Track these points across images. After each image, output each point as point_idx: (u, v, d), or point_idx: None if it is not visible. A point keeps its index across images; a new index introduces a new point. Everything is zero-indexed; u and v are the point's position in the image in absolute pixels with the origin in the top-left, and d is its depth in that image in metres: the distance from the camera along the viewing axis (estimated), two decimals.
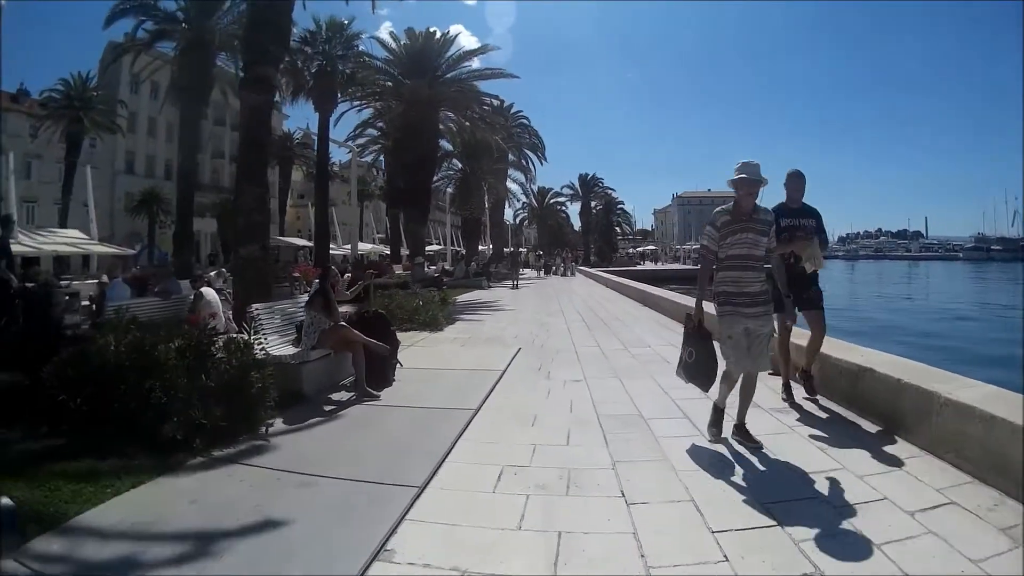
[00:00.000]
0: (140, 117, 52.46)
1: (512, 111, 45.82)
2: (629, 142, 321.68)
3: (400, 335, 9.69)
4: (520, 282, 30.80)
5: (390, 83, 23.83)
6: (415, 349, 8.97)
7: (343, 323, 6.43)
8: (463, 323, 12.30)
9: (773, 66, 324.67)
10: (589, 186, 70.68)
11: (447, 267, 34.59)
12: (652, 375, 6.76)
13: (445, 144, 36.62)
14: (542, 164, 47.92)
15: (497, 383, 6.49)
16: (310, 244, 38.57)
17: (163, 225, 45.05)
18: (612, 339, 9.84)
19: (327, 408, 5.59)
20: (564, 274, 42.50)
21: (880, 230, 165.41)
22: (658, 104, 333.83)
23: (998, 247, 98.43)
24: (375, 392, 5.99)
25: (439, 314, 11.74)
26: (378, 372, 6.41)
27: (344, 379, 6.57)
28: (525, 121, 47.25)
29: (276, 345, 6.40)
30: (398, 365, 6.90)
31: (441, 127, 32.27)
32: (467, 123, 25.27)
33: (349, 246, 30.64)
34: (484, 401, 5.70)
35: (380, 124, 27.52)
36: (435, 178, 38.77)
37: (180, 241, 28.06)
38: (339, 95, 27.03)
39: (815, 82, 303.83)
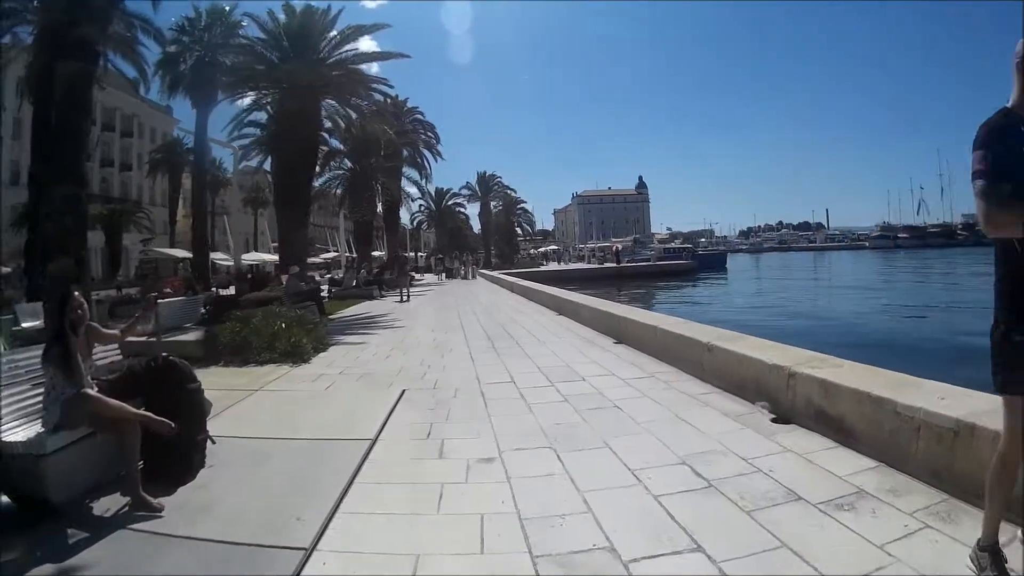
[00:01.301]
0: (25, 124, 46.46)
1: (406, 106, 43.11)
2: (529, 143, 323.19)
3: (252, 371, 7.35)
4: (416, 290, 28.13)
5: (263, 67, 20.47)
6: (260, 397, 6.30)
7: (87, 390, 3.65)
8: (340, 349, 9.57)
9: (667, 62, 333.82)
10: (488, 185, 68.48)
11: (336, 275, 31.47)
12: (603, 437, 4.39)
13: (336, 143, 33.67)
14: (437, 161, 45.29)
15: (357, 474, 3.87)
16: (189, 255, 34.60)
17: None
18: (528, 365, 7.44)
19: (73, 538, 3.03)
20: (465, 277, 41.96)
21: (781, 223, 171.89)
22: (554, 105, 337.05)
23: (904, 234, 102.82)
24: (153, 503, 3.33)
25: (305, 340, 9.00)
26: (173, 457, 3.76)
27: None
28: (420, 116, 44.55)
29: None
30: (208, 442, 4.23)
31: (329, 124, 29.19)
32: (354, 114, 22.29)
33: (241, 257, 27.38)
34: (325, 527, 3.09)
35: (257, 117, 23.98)
36: (323, 178, 35.56)
37: (30, 254, 23.73)
38: (219, 91, 23.59)
39: (715, 78, 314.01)
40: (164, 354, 4.47)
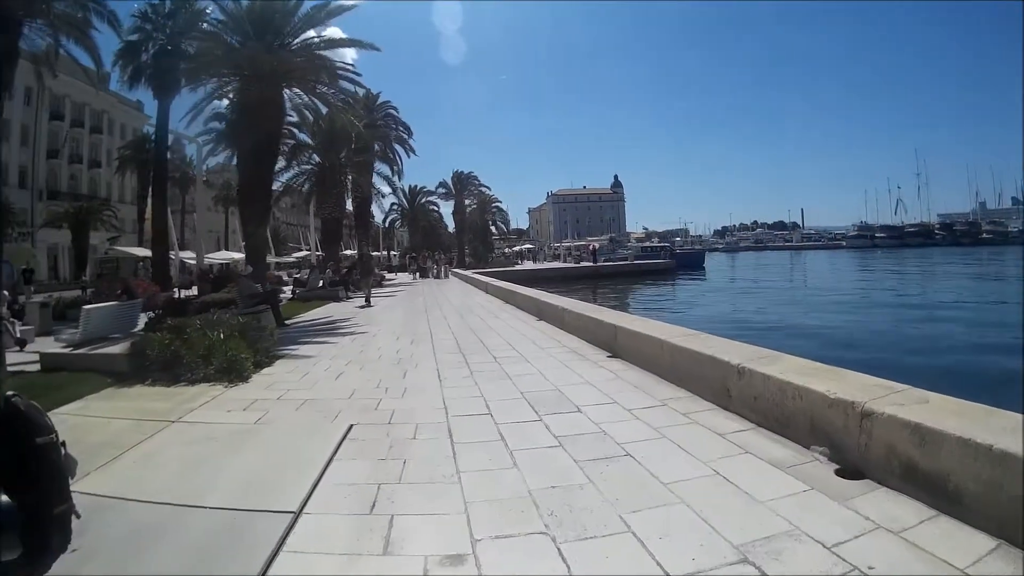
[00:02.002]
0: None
1: (378, 100, 41.56)
2: (505, 143, 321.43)
3: (180, 392, 6.55)
4: (386, 290, 26.77)
5: (222, 52, 18.71)
6: (174, 432, 5.01)
7: None
8: (287, 363, 8.17)
9: (643, 61, 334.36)
10: (463, 184, 66.90)
11: (301, 275, 29.87)
12: (618, 511, 3.11)
13: (304, 137, 32.06)
14: (410, 157, 43.82)
15: None
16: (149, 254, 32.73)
17: (10, 239, 38.75)
18: (508, 388, 6.12)
19: None
20: (438, 276, 41.30)
21: (756, 222, 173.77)
22: (531, 105, 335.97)
23: (882, 234, 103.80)
24: None
25: (245, 353, 7.60)
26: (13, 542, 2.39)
27: None
28: (393, 111, 42.95)
29: None
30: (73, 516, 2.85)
31: (294, 116, 27.57)
32: (321, 105, 20.75)
33: (203, 256, 25.87)
34: None
35: (218, 107, 22.19)
36: (290, 173, 33.92)
37: None
38: (183, 80, 21.86)
39: (692, 77, 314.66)
40: (9, 394, 3.10)
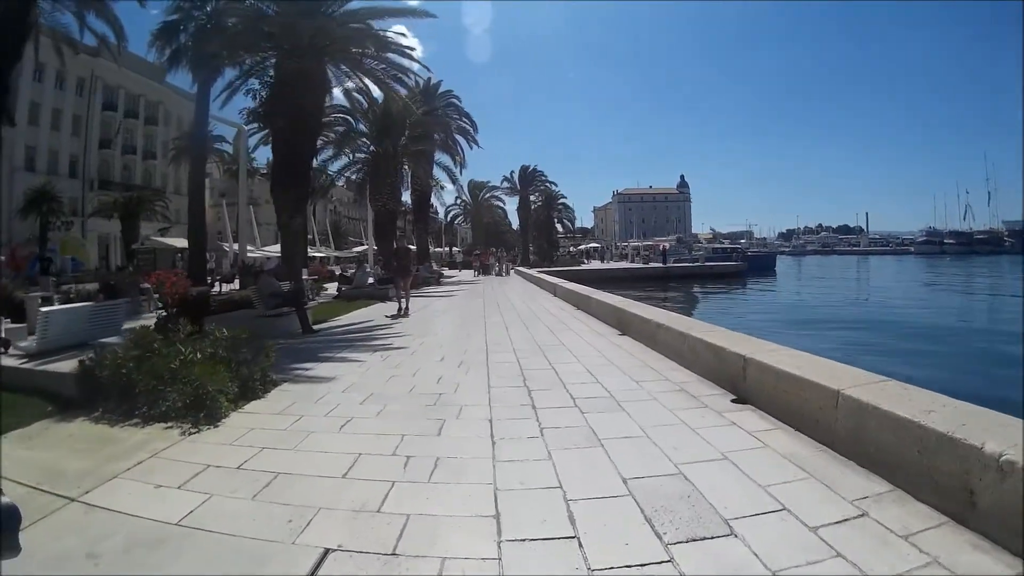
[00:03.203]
0: (43, 108, 45.56)
1: (439, 89, 39.65)
2: (569, 141, 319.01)
3: (121, 438, 4.70)
4: (443, 289, 24.69)
5: (264, 27, 16.71)
6: (46, 529, 2.57)
7: None
8: (285, 393, 6.03)
9: (710, 62, 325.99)
10: (528, 179, 64.48)
11: (348, 272, 28.10)
12: None
13: (360, 127, 30.34)
14: (473, 149, 41.76)
15: None
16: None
17: (54, 227, 38.61)
18: (601, 466, 3.75)
19: None
20: (500, 274, 40.28)
21: (821, 225, 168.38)
22: (596, 102, 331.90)
23: (951, 240, 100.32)
24: None
25: (219, 384, 5.43)
26: None
27: None
28: (456, 100, 40.94)
29: None
30: None
31: (346, 103, 25.76)
32: (371, 83, 18.71)
33: (247, 248, 24.49)
34: None
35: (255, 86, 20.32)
36: (341, 162, 32.29)
37: None
38: (224, 58, 20.17)
39: (759, 78, 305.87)
40: None
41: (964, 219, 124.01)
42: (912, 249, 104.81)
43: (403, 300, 14.66)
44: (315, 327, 11.64)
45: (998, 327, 19.76)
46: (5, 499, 1.67)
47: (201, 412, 5.06)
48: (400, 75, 18.42)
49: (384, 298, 18.22)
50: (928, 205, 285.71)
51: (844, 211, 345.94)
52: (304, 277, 24.44)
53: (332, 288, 23.18)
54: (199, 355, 5.89)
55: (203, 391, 5.20)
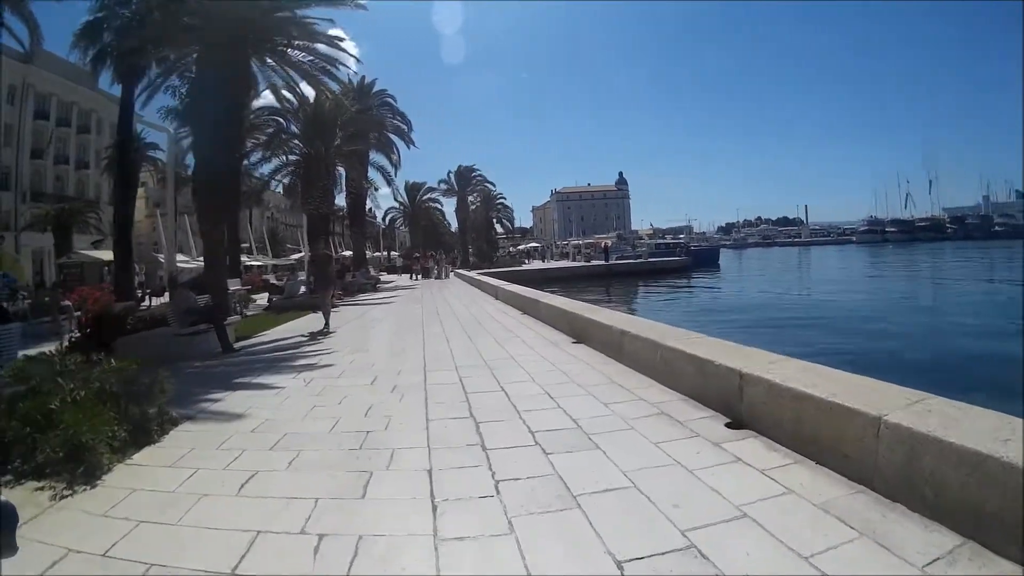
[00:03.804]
0: None
1: (374, 88, 38.20)
2: (507, 142, 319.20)
3: None
4: (379, 296, 23.44)
5: (185, 18, 15.03)
6: None
7: None
8: (183, 436, 4.82)
9: (646, 58, 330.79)
10: (466, 179, 63.30)
11: (278, 280, 26.50)
12: None
13: (292, 127, 28.82)
14: (410, 148, 40.49)
15: None
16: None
17: None
18: (583, 539, 2.74)
19: None
20: (439, 277, 39.66)
21: (760, 218, 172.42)
22: (533, 103, 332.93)
23: (892, 228, 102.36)
24: None
25: (100, 430, 4.22)
26: None
27: None
28: (391, 100, 39.50)
29: None
30: None
31: (275, 103, 24.22)
32: (298, 77, 17.26)
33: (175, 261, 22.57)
34: None
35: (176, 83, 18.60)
36: (271, 165, 30.71)
37: None
38: (150, 55, 18.41)
39: (694, 72, 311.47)
40: None
41: (905, 207, 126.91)
42: (854, 239, 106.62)
43: (327, 314, 12.97)
44: (237, 344, 10.35)
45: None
46: (3, 499, 1.92)
47: (79, 467, 3.92)
48: (328, 67, 17.06)
49: (317, 308, 16.91)
50: (868, 196, 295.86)
51: (784, 203, 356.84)
52: (234, 288, 22.91)
53: (264, 299, 21.69)
54: (82, 392, 4.66)
55: (78, 440, 4.00)
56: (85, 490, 3.70)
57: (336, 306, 18.00)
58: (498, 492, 3.37)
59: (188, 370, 8.20)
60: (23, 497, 3.53)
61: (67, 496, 3.60)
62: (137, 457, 4.32)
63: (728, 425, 4.33)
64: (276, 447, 4.43)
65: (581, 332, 8.66)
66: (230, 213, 15.49)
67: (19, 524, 2.73)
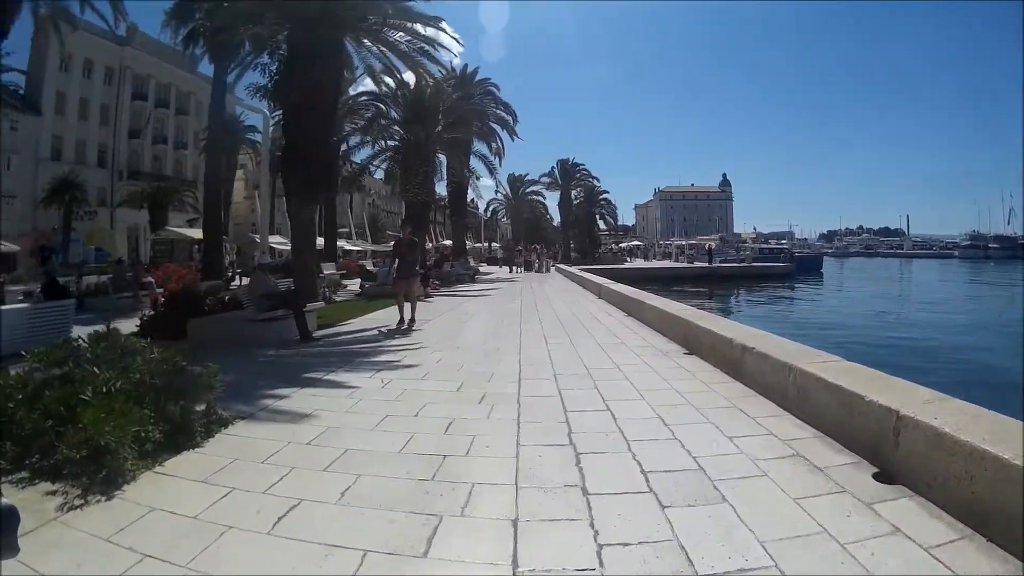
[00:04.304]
0: (70, 98, 44.98)
1: (477, 78, 37.96)
2: (607, 138, 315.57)
3: None
4: (477, 287, 22.92)
5: None
6: None
7: None
8: (229, 443, 4.25)
9: (757, 63, 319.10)
10: (570, 173, 62.51)
11: (374, 266, 26.52)
12: None
13: (393, 114, 28.85)
14: (513, 140, 40.04)
15: None
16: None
17: (78, 217, 38.06)
18: None
19: None
20: (539, 271, 38.99)
21: (862, 227, 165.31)
22: (638, 100, 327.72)
23: (995, 245, 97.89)
24: None
25: (145, 429, 3.74)
26: None
27: None
28: (494, 88, 39.17)
29: None
30: None
31: (374, 87, 24.29)
32: (395, 59, 16.95)
33: (267, 240, 23.03)
34: None
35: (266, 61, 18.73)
36: (369, 151, 30.88)
37: None
38: (246, 40, 18.72)
39: (800, 79, 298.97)
40: None
41: (1008, 223, 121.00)
42: (956, 253, 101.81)
43: (405, 310, 11.52)
44: (318, 333, 9.97)
45: None
46: (4, 500, 1.77)
47: (102, 471, 3.42)
48: (427, 47, 16.60)
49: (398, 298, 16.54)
50: (967, 208, 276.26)
51: (885, 213, 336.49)
52: (328, 272, 23.03)
53: (357, 284, 21.65)
54: (118, 383, 4.17)
55: (99, 442, 3.49)
56: (99, 501, 3.20)
57: (431, 296, 17.60)
58: (601, 564, 2.54)
59: (260, 358, 7.81)
60: (31, 501, 3.10)
61: (77, 508, 3.12)
62: (170, 464, 3.78)
63: (876, 477, 3.34)
64: (332, 467, 3.73)
65: (693, 341, 7.65)
66: (319, 194, 15.18)
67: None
